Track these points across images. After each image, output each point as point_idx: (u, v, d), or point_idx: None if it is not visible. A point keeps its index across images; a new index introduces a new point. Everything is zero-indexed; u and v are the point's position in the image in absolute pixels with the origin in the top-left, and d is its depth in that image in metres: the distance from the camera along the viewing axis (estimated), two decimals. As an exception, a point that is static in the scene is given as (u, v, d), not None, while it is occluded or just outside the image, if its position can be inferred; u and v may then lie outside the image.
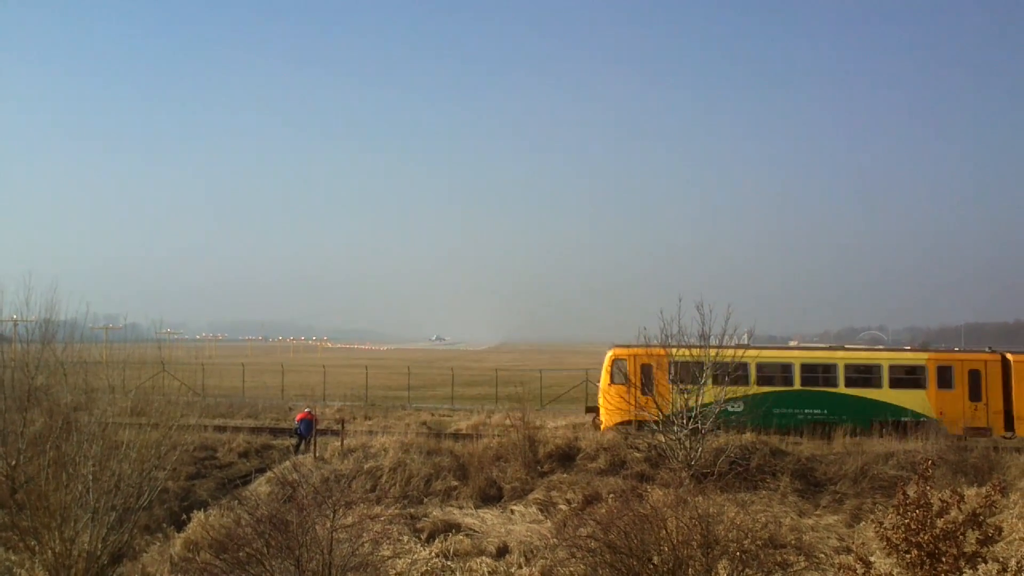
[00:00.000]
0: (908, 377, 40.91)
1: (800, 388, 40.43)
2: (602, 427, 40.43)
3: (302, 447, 39.08)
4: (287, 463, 36.00)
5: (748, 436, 37.31)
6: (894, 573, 13.73)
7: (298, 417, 40.01)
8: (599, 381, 42.87)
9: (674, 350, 35.37)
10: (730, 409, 35.33)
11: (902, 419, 39.00)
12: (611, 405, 39.54)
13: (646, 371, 39.16)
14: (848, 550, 26.01)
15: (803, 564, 23.14)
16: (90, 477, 21.30)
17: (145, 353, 34.29)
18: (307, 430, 39.13)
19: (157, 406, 26.38)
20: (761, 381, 39.44)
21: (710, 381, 34.26)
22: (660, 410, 34.35)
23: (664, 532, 16.10)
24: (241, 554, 15.44)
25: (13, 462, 27.88)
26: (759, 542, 17.50)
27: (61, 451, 21.84)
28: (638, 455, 36.14)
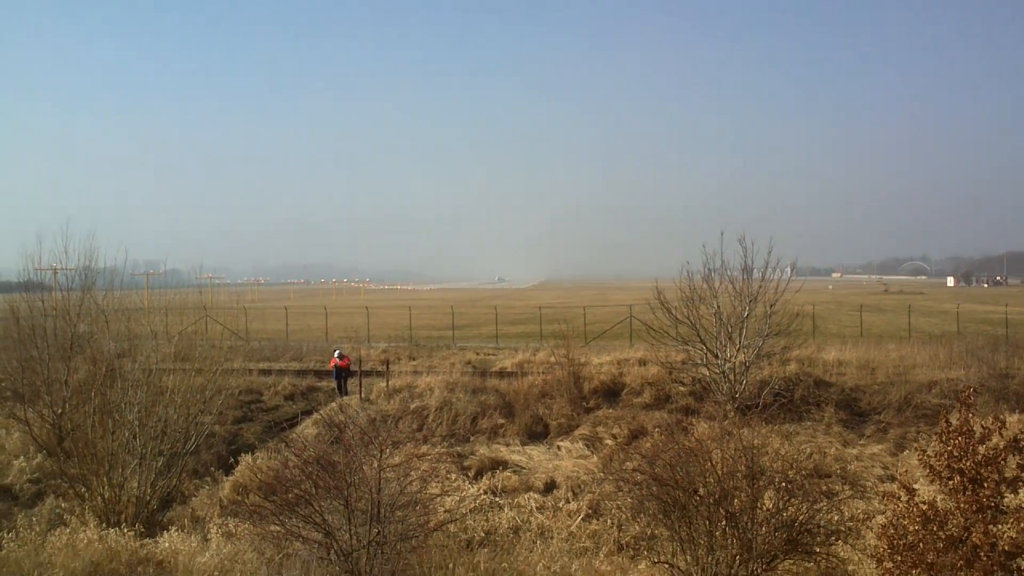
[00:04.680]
0: None
1: None
2: None
3: (344, 389, 39.39)
4: (333, 405, 36.09)
5: (792, 367, 36.91)
6: (937, 500, 13.50)
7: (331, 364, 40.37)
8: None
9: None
10: None
11: None
12: None
13: None
14: (892, 478, 25.86)
15: (848, 493, 22.88)
16: (136, 423, 21.36)
17: (187, 298, 34.25)
18: (337, 374, 39.64)
19: (201, 351, 26.37)
20: None
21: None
22: (705, 344, 34.00)
23: (709, 464, 15.92)
24: (290, 495, 15.35)
25: (59, 410, 28.13)
26: (804, 472, 17.22)
27: (106, 398, 21.88)
28: (683, 389, 35.89)
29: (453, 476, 28.06)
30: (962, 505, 12.83)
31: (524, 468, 29.38)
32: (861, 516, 17.62)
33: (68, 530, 16.78)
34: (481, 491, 26.97)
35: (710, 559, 15.34)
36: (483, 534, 22.75)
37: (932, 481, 13.77)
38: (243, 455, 30.12)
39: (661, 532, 17.24)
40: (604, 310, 78.59)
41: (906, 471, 24.49)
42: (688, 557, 15.75)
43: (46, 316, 30.57)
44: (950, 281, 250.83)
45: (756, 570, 15.01)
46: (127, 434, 21.17)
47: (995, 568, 12.24)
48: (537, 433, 33.55)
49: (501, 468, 29.08)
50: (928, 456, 13.78)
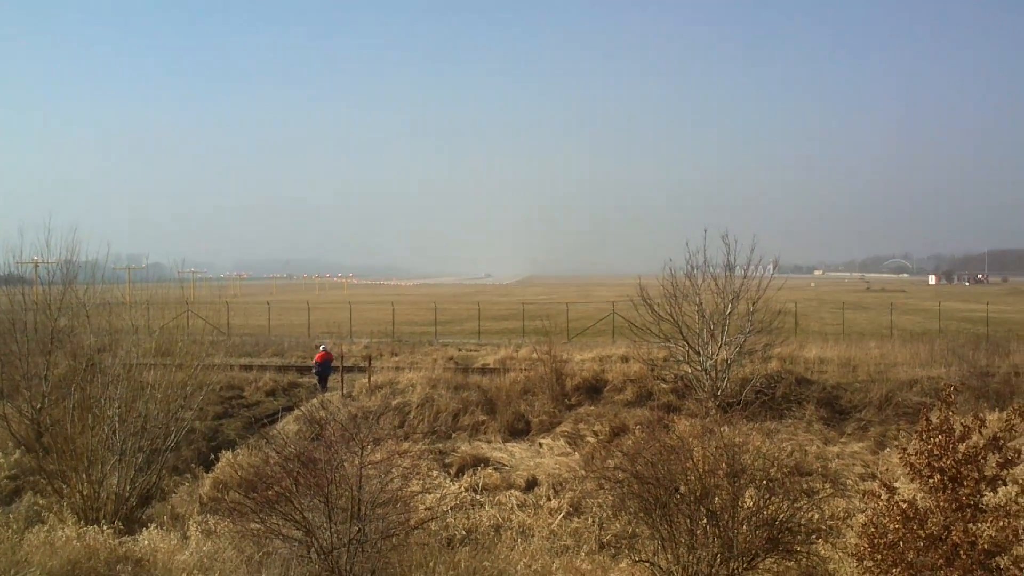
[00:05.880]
0: None
1: None
2: None
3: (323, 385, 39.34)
4: (314, 401, 36.01)
5: (774, 365, 37.01)
6: (917, 498, 13.57)
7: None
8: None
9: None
10: None
11: None
12: None
13: None
14: (873, 476, 25.88)
15: (829, 491, 23.03)
16: (116, 419, 21.18)
17: (169, 293, 34.11)
18: (320, 369, 39.55)
19: (182, 346, 26.17)
20: None
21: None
22: (687, 341, 34.06)
23: (691, 462, 15.93)
24: (270, 493, 15.21)
25: (38, 405, 27.90)
26: (785, 470, 17.27)
27: (86, 393, 21.69)
28: (665, 386, 35.96)
29: (434, 473, 28.04)
30: (942, 503, 12.88)
31: (506, 465, 29.36)
32: (841, 514, 17.73)
33: (46, 527, 16.64)
34: (462, 489, 26.95)
35: (691, 557, 15.35)
36: (464, 532, 22.71)
37: (912, 479, 13.81)
38: (224, 452, 29.98)
39: (642, 530, 17.27)
40: (587, 307, 78.62)
41: (886, 469, 24.65)
42: (669, 556, 15.76)
43: (26, 310, 30.33)
44: (932, 279, 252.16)
45: (737, 569, 15.03)
46: (107, 430, 20.99)
47: (974, 566, 12.28)
48: (519, 430, 33.52)
49: (483, 465, 29.06)
50: (908, 454, 13.81)
